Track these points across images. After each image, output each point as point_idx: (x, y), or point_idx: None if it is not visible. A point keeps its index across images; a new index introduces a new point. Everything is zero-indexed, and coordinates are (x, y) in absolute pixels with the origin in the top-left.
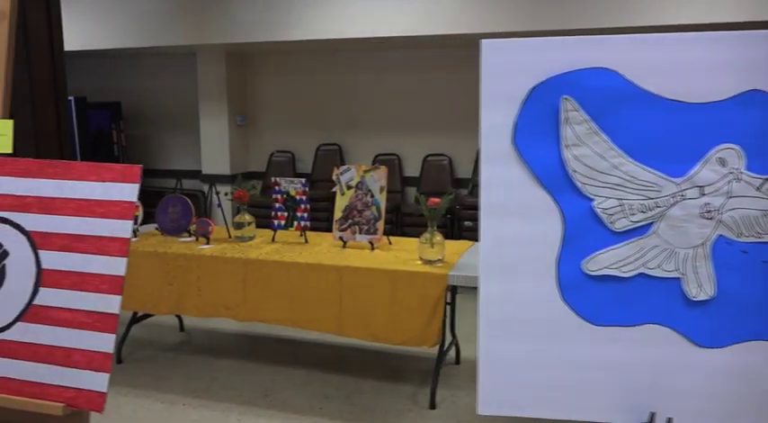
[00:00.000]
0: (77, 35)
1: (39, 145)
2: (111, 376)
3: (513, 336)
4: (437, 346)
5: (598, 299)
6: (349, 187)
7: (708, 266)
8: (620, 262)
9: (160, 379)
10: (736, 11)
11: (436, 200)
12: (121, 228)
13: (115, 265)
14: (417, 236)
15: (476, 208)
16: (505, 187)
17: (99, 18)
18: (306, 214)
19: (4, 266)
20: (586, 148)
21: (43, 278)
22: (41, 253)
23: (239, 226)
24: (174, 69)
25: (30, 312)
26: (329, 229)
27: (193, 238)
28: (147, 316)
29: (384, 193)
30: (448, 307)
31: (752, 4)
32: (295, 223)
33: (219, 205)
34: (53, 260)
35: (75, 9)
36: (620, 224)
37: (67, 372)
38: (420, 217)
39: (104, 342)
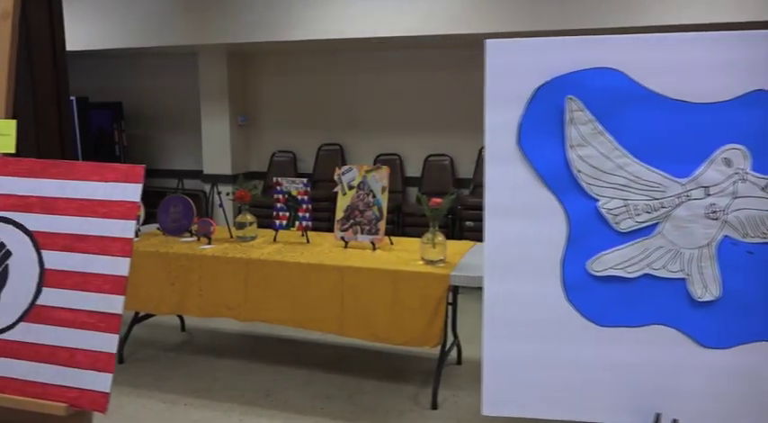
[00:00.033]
0: (79, 35)
1: (40, 145)
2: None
3: (518, 336)
4: (439, 347)
5: (603, 299)
6: (351, 187)
7: (713, 267)
8: (626, 262)
9: (162, 379)
10: (738, 11)
11: (438, 200)
12: (124, 228)
13: (118, 266)
14: (418, 236)
15: (477, 208)
16: (510, 187)
17: (101, 18)
18: (307, 214)
19: (6, 267)
20: (591, 148)
21: (46, 278)
22: (44, 253)
23: (241, 226)
24: (176, 69)
25: (33, 312)
26: (330, 230)
27: (195, 238)
28: (148, 316)
29: (386, 193)
30: (449, 307)
31: (753, 3)
32: (297, 223)
33: (221, 205)
34: (56, 260)
35: (76, 9)
36: (625, 224)
37: (71, 372)
38: (421, 217)
39: (107, 342)
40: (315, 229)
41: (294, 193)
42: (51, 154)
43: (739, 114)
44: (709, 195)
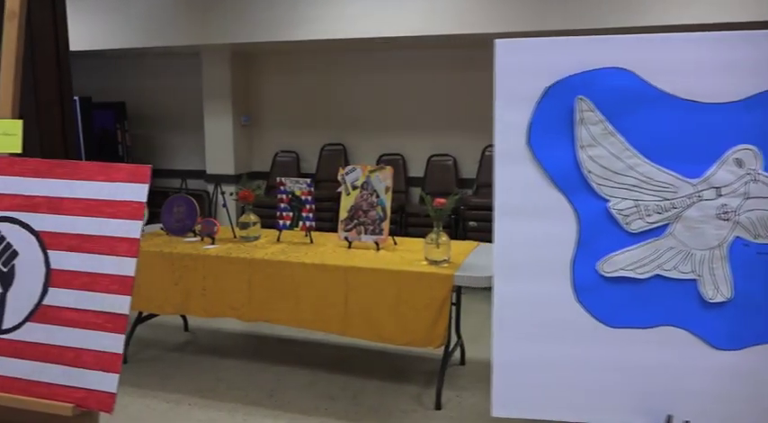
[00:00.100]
0: (82, 35)
1: (44, 145)
2: None
3: (528, 337)
4: (442, 347)
5: (613, 300)
6: (354, 187)
7: (724, 268)
8: (636, 263)
9: (165, 379)
10: (741, 11)
11: (442, 200)
12: (131, 228)
13: (125, 266)
14: (421, 236)
15: (480, 208)
16: (520, 188)
17: (104, 18)
18: (311, 214)
19: (13, 266)
20: (602, 148)
21: (52, 278)
22: (51, 253)
23: (244, 226)
24: (179, 69)
25: (39, 313)
26: (333, 230)
27: (198, 238)
28: (151, 316)
29: (389, 193)
30: (453, 307)
31: (756, 3)
32: (300, 223)
33: (225, 205)
34: (62, 260)
35: (80, 9)
36: (636, 225)
37: (77, 372)
38: (425, 217)
39: (114, 342)
40: (318, 229)
41: (298, 193)
42: (54, 154)
43: (751, 115)
44: (720, 196)
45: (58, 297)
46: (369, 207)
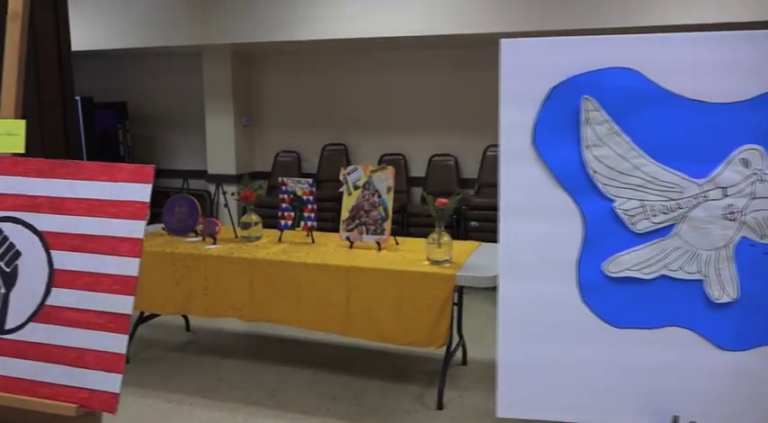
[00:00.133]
0: (84, 35)
1: (45, 145)
2: None
3: (533, 337)
4: (444, 347)
5: (619, 301)
6: (356, 187)
7: (731, 268)
8: (642, 264)
9: (167, 379)
10: (743, 11)
11: (444, 200)
12: (134, 228)
13: (128, 266)
14: (423, 236)
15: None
16: (525, 188)
17: (106, 18)
18: (313, 214)
19: (16, 267)
20: (607, 148)
21: (55, 278)
22: (53, 253)
23: (246, 226)
24: (180, 69)
25: (42, 313)
26: (335, 230)
27: (200, 238)
28: (153, 316)
29: (391, 193)
30: (455, 307)
31: (758, 3)
32: (302, 223)
33: (226, 205)
34: (65, 260)
35: (81, 9)
36: (642, 225)
37: (80, 372)
38: (427, 217)
39: (117, 343)
40: (319, 229)
41: (299, 193)
42: (56, 154)
43: (757, 114)
44: (726, 196)
45: (60, 297)
46: (370, 207)
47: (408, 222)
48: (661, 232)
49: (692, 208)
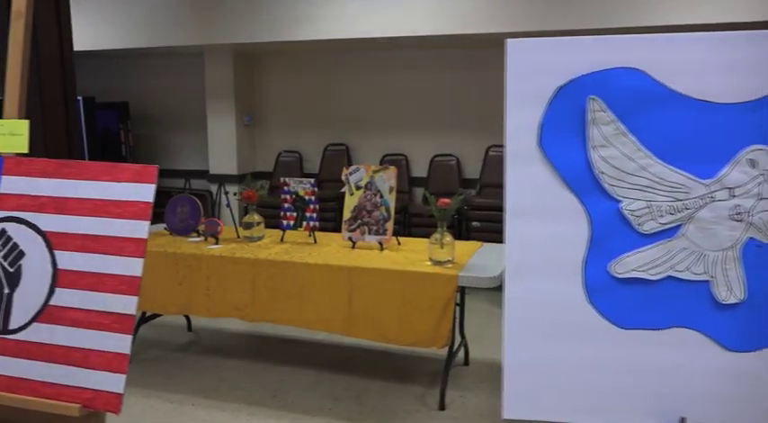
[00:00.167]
0: (86, 35)
1: (48, 145)
2: None
3: (539, 338)
4: (446, 347)
5: (625, 302)
6: (358, 187)
7: (738, 269)
8: (648, 264)
9: (169, 379)
10: (746, 11)
11: (446, 200)
12: (137, 228)
13: (132, 266)
14: (425, 236)
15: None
16: (531, 188)
17: (107, 18)
18: (315, 214)
19: (20, 267)
20: (614, 149)
21: (59, 279)
22: (57, 253)
23: (248, 226)
24: (182, 69)
25: (46, 313)
26: (336, 230)
27: (202, 239)
28: (155, 316)
29: (393, 193)
30: (457, 308)
31: (762, 3)
32: (304, 223)
33: (228, 205)
34: (69, 261)
35: (83, 9)
36: (648, 226)
37: (84, 373)
38: (429, 217)
39: (121, 343)
40: (321, 229)
41: (301, 193)
42: (59, 154)
43: (764, 115)
44: (733, 197)
45: (64, 297)
46: (372, 207)
47: (410, 222)
48: (668, 233)
49: (698, 208)
